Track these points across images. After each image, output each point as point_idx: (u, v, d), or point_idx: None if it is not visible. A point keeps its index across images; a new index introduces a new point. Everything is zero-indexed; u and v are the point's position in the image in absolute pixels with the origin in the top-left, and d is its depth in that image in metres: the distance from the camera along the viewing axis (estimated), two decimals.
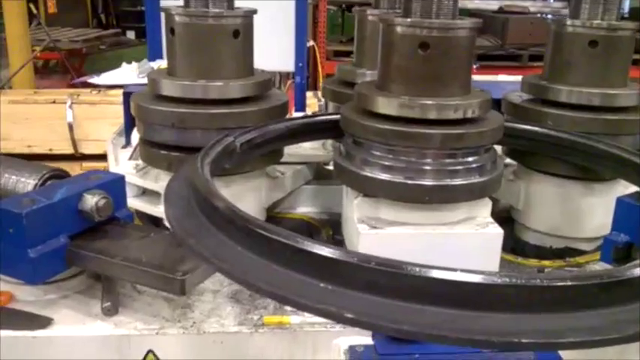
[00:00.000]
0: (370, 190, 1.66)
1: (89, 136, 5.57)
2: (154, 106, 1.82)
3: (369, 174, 1.63)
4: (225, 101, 1.82)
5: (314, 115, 2.25)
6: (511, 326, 0.90)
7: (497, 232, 1.64)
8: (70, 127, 5.53)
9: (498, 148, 1.89)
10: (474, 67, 1.70)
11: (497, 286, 0.91)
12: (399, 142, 1.58)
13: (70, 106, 5.53)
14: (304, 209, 2.22)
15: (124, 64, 3.26)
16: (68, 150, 5.62)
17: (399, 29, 1.56)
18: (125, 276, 1.55)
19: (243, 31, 1.83)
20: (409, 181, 1.59)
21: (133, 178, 1.95)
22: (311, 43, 6.12)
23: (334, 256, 0.99)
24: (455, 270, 0.92)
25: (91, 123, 5.53)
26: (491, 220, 1.69)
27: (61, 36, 9.67)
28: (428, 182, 1.59)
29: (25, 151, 5.45)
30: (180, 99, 1.81)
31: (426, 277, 0.93)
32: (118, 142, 2.56)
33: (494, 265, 1.65)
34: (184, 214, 1.27)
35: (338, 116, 1.78)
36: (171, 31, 1.82)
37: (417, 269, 0.93)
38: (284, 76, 5.17)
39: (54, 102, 5.62)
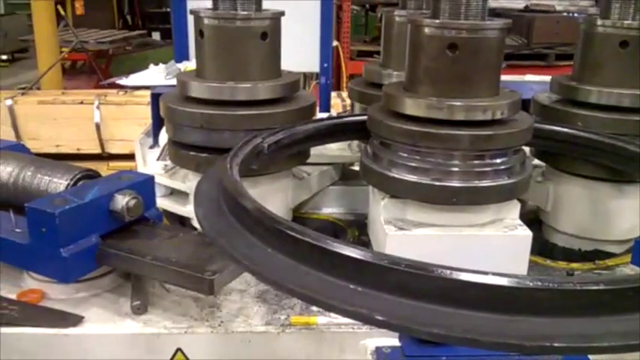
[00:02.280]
0: (397, 191, 1.66)
1: (116, 136, 5.67)
2: (183, 108, 1.84)
3: (396, 175, 1.62)
4: (253, 102, 1.83)
5: (341, 116, 2.25)
6: (544, 330, 0.89)
7: (525, 234, 1.63)
8: (98, 127, 5.63)
9: (527, 149, 1.87)
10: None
11: (529, 290, 0.90)
12: (426, 143, 1.57)
13: (98, 107, 5.63)
14: (330, 210, 2.23)
15: (152, 66, 3.29)
16: (95, 150, 5.73)
17: (427, 30, 1.56)
18: (155, 275, 1.58)
19: (270, 33, 1.84)
20: (437, 183, 1.58)
21: (161, 179, 1.98)
22: (335, 43, 6.12)
23: (364, 258, 0.99)
24: (486, 273, 0.92)
25: (117, 123, 5.63)
26: (519, 222, 1.67)
27: (88, 37, 9.80)
28: (455, 184, 1.58)
29: (53, 150, 5.57)
30: (208, 100, 1.83)
31: (457, 280, 0.93)
32: (145, 143, 2.60)
33: (522, 268, 1.63)
34: (214, 215, 1.28)
35: (365, 117, 1.78)
36: (200, 33, 1.84)
37: (448, 272, 0.93)
38: (308, 76, 5.18)
39: (82, 102, 5.73)
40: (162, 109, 1.94)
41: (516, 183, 1.63)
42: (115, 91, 5.83)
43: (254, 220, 1.16)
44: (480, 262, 1.54)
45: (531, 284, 0.91)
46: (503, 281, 0.91)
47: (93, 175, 1.75)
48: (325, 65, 4.51)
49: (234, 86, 1.82)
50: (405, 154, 1.62)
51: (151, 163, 2.25)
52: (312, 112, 1.96)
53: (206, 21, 1.81)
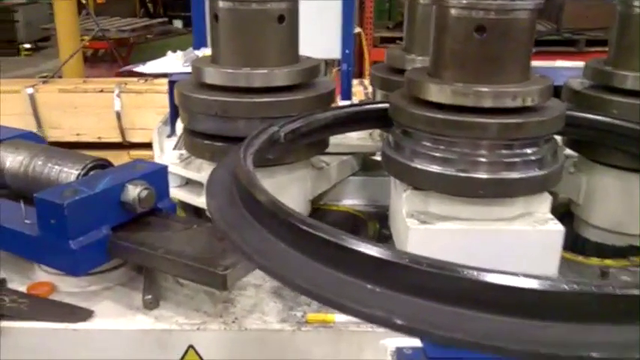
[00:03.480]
0: (420, 182, 1.58)
1: (136, 125, 5.66)
2: (197, 95, 1.78)
3: (419, 166, 1.55)
4: (270, 89, 1.77)
5: (361, 103, 2.17)
6: (580, 338, 0.81)
7: (557, 229, 1.54)
8: (118, 115, 5.62)
9: (558, 138, 1.78)
10: None
11: (563, 294, 0.82)
12: (451, 132, 1.50)
13: (118, 95, 5.61)
14: (350, 201, 2.16)
15: (169, 53, 3.24)
16: (116, 138, 5.73)
17: (453, 12, 1.47)
18: (167, 269, 1.53)
19: (288, 16, 1.76)
20: (462, 174, 1.50)
21: (175, 168, 1.93)
22: (357, 29, 6.02)
23: (382, 256, 0.91)
24: (516, 274, 0.84)
25: (137, 111, 5.61)
26: (550, 216, 1.59)
27: (110, 25, 9.83)
28: (482, 175, 1.50)
29: (74, 139, 5.58)
30: (223, 87, 1.77)
31: (483, 282, 0.85)
32: (163, 131, 2.55)
33: (553, 265, 1.55)
34: (226, 206, 1.22)
35: (386, 105, 1.70)
36: (215, 17, 1.77)
37: (475, 273, 0.85)
38: (330, 63, 5.10)
39: (102, 91, 5.72)
40: (176, 97, 1.88)
41: (547, 174, 1.54)
42: (135, 79, 5.81)
43: (266, 213, 1.10)
44: (508, 259, 1.47)
45: (566, 288, 0.82)
46: (535, 284, 0.83)
47: (105, 165, 1.70)
48: (347, 52, 4.43)
49: (249, 72, 1.75)
50: (429, 144, 1.54)
51: (168, 152, 2.21)
52: (332, 100, 1.89)
53: (221, 4, 1.74)
